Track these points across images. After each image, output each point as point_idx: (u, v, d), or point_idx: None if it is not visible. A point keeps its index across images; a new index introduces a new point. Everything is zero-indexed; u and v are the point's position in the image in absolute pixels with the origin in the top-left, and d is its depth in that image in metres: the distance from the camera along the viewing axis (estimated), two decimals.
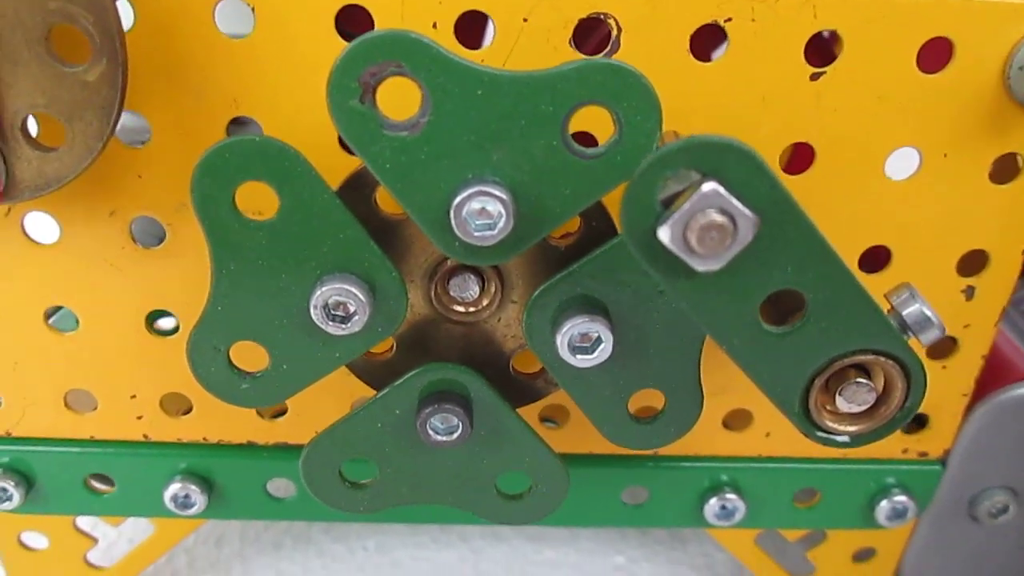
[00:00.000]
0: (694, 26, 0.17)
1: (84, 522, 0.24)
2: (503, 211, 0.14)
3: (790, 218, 0.14)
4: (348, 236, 0.15)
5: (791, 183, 0.19)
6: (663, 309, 0.17)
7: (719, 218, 0.13)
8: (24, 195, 0.17)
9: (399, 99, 0.15)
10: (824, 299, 0.15)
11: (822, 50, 0.18)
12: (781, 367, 0.15)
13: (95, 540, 0.24)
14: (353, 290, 0.15)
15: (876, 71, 0.18)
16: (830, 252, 0.14)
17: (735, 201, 0.13)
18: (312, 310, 0.15)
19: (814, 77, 0.18)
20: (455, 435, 0.17)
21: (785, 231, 0.14)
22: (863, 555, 0.26)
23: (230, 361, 0.17)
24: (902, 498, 0.23)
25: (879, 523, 0.24)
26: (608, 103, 0.15)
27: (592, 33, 0.20)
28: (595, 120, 0.15)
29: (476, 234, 0.14)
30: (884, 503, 0.23)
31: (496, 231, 0.14)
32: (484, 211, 0.14)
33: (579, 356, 0.16)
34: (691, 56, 0.17)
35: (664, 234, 0.13)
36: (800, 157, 0.19)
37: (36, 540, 0.24)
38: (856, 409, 0.15)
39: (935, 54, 0.18)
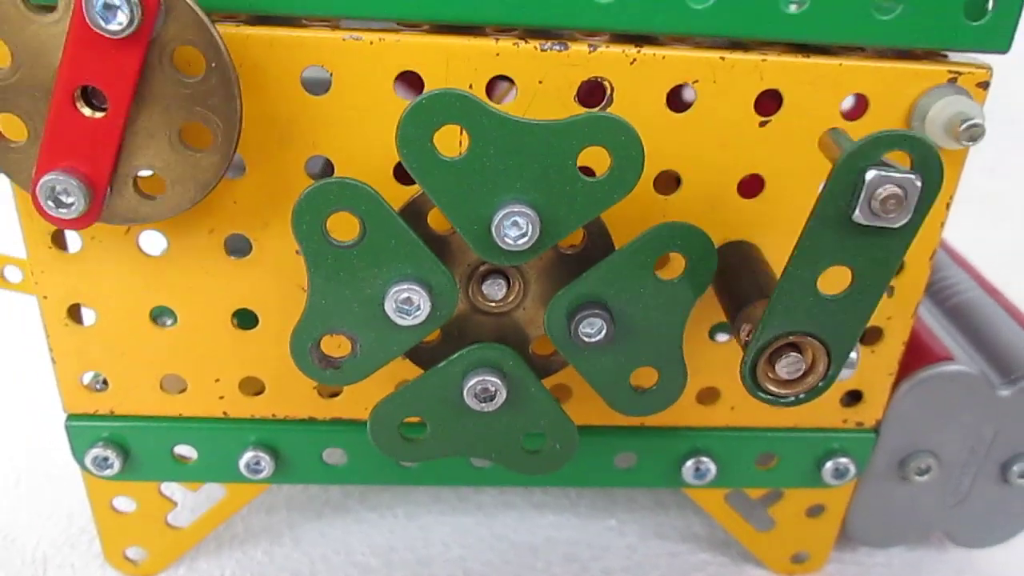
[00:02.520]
0: (669, 85, 0.22)
1: (167, 488, 0.29)
2: (531, 224, 0.19)
3: None
4: (411, 249, 0.20)
5: (746, 205, 0.24)
6: (651, 305, 0.22)
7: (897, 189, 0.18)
8: (114, 222, 0.22)
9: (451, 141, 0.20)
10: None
11: (769, 102, 0.23)
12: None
13: (175, 503, 0.29)
14: (417, 289, 0.20)
15: (809, 119, 0.23)
16: None
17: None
18: (386, 306, 0.20)
19: (762, 124, 0.23)
20: (493, 401, 0.22)
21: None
22: (814, 511, 0.31)
23: (322, 350, 0.22)
24: (844, 460, 0.28)
25: (826, 482, 0.29)
26: (606, 144, 0.20)
27: (591, 88, 0.25)
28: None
29: (511, 243, 0.19)
30: (829, 464, 0.28)
31: (526, 239, 0.19)
32: (516, 224, 0.19)
33: (587, 338, 0.21)
34: (667, 109, 0.22)
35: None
36: (752, 185, 0.24)
37: (126, 504, 0.29)
38: (790, 377, 0.20)
39: (858, 105, 0.23)
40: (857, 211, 0.19)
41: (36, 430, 0.36)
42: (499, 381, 0.21)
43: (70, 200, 0.20)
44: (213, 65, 0.19)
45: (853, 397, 0.28)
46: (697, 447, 0.28)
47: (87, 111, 0.20)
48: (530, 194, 0.19)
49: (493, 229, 0.19)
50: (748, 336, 0.21)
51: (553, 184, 0.20)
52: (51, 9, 0.19)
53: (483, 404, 0.22)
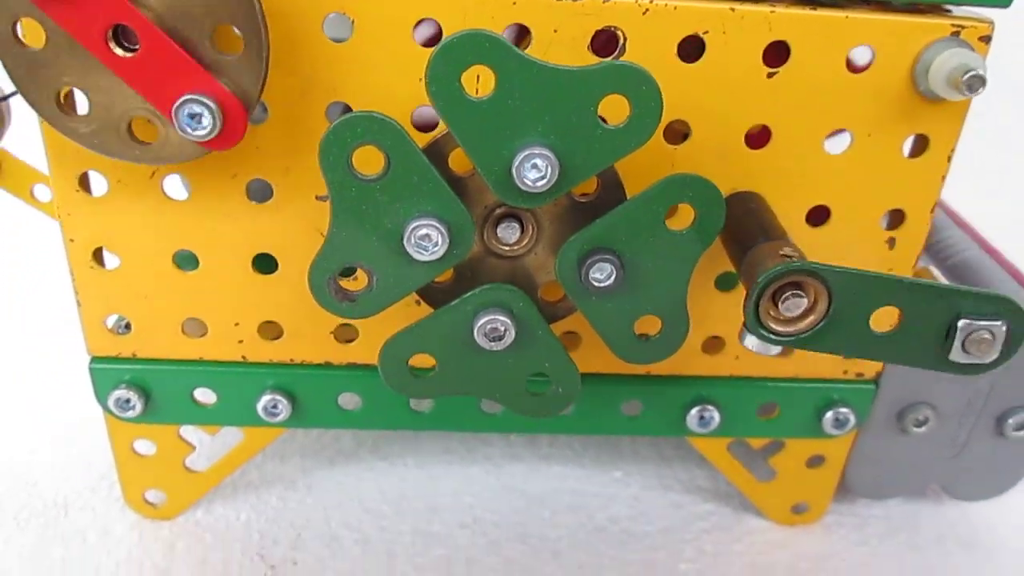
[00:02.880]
0: (680, 36, 0.23)
1: (186, 431, 0.30)
2: (550, 167, 0.20)
3: None
4: (433, 186, 0.21)
5: (753, 156, 0.25)
6: (659, 254, 0.22)
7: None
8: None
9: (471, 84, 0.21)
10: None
11: (777, 54, 0.24)
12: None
13: (193, 447, 0.30)
14: (436, 225, 0.21)
15: (816, 71, 0.23)
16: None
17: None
18: (405, 240, 0.21)
19: (770, 75, 0.23)
20: (502, 341, 0.22)
21: None
22: (814, 461, 0.31)
23: (339, 283, 0.23)
24: (844, 410, 0.29)
25: (826, 432, 0.30)
26: (627, 93, 0.20)
27: (605, 38, 0.25)
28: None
29: (530, 184, 0.20)
30: (829, 414, 0.29)
31: (545, 182, 0.20)
32: (536, 166, 0.20)
33: (597, 283, 0.21)
34: (679, 59, 0.23)
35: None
36: (761, 136, 0.25)
37: (146, 447, 0.30)
38: (792, 315, 0.21)
39: (863, 57, 0.24)
40: None
41: (56, 380, 0.37)
42: (509, 321, 0.22)
43: (203, 122, 0.21)
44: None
45: None
46: (702, 395, 0.29)
47: (119, 51, 0.20)
48: (551, 138, 0.20)
49: (513, 170, 0.20)
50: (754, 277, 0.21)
51: (574, 129, 0.20)
52: None
53: (492, 343, 0.22)
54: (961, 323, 0.21)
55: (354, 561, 0.30)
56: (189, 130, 0.21)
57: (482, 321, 0.22)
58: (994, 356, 0.21)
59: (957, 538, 0.33)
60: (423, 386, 0.24)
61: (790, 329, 0.21)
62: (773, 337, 0.22)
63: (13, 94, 0.28)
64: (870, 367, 0.29)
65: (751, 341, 0.22)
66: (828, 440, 0.30)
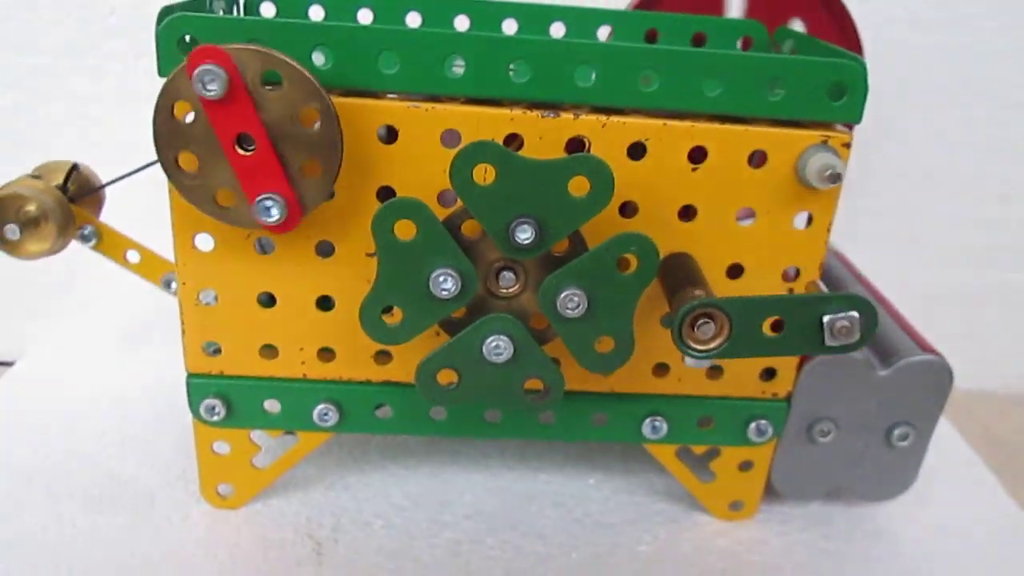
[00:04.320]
0: (628, 141, 0.32)
1: (254, 434, 0.38)
2: (535, 229, 0.29)
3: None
4: (449, 246, 0.30)
5: (682, 227, 0.34)
6: (612, 290, 0.31)
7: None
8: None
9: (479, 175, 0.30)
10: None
11: (698, 155, 0.33)
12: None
13: (260, 447, 0.38)
14: (452, 273, 0.30)
15: (727, 166, 0.33)
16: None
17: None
18: (430, 285, 0.30)
19: (693, 169, 0.33)
20: (503, 356, 0.31)
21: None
22: (745, 465, 0.40)
23: (381, 317, 0.32)
24: (764, 422, 0.38)
25: (751, 440, 0.38)
26: (587, 174, 0.29)
27: (574, 143, 0.34)
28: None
29: (521, 241, 0.29)
30: (752, 425, 0.38)
31: (532, 240, 0.29)
32: (525, 229, 0.29)
33: (568, 312, 0.30)
34: (627, 158, 0.32)
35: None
36: (687, 212, 0.34)
37: (222, 447, 0.38)
38: (704, 337, 0.30)
39: (760, 157, 0.33)
40: None
41: (138, 394, 0.46)
42: (508, 340, 0.31)
43: (274, 213, 0.30)
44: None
45: (769, 373, 0.37)
46: (653, 409, 0.37)
47: (240, 151, 0.30)
48: (535, 209, 0.29)
49: (509, 232, 0.29)
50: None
51: (551, 202, 0.30)
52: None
53: (495, 357, 0.31)
54: (826, 319, 0.30)
55: (382, 540, 0.38)
56: (260, 216, 0.30)
57: (488, 340, 0.31)
58: (857, 337, 0.30)
59: (863, 530, 0.41)
60: (448, 396, 0.33)
61: (708, 347, 0.30)
62: (696, 354, 0.30)
63: (110, 183, 0.38)
64: (783, 388, 0.38)
65: (689, 360, 0.31)
66: (754, 448, 0.39)
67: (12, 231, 0.34)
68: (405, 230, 0.30)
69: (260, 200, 0.30)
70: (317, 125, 0.30)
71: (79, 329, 0.55)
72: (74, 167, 0.37)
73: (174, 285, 0.38)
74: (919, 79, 0.54)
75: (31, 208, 0.34)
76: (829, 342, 0.30)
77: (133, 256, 0.39)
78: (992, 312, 0.60)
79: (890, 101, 0.54)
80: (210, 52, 0.28)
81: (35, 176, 0.36)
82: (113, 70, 0.53)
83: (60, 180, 0.36)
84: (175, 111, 0.30)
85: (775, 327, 0.31)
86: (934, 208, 0.57)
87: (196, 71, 0.28)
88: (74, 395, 0.47)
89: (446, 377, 0.32)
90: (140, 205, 0.41)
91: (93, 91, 0.53)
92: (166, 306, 0.54)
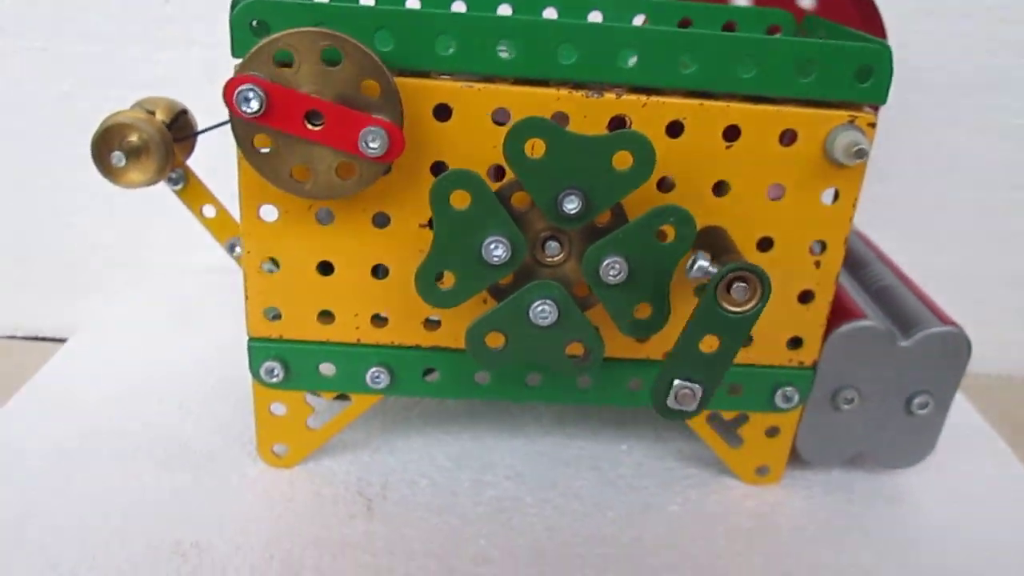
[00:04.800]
0: (667, 120, 0.34)
1: (309, 396, 0.40)
2: (581, 200, 0.31)
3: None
4: (501, 216, 0.32)
5: (716, 202, 0.36)
6: (651, 259, 0.33)
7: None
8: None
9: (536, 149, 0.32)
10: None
11: (732, 133, 0.35)
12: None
13: (313, 409, 0.41)
14: (503, 241, 0.32)
15: (759, 144, 0.35)
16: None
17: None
18: (483, 250, 0.32)
19: (728, 147, 0.35)
20: (549, 319, 0.33)
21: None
22: (772, 431, 0.42)
23: (435, 282, 0.34)
24: (790, 389, 0.40)
25: (778, 406, 0.40)
26: (630, 148, 0.32)
27: (616, 122, 0.37)
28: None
29: (568, 211, 0.31)
30: (779, 392, 0.40)
31: (578, 209, 0.31)
32: (571, 199, 0.31)
33: (610, 278, 0.33)
34: (666, 135, 0.35)
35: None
36: (720, 188, 0.36)
37: (278, 408, 0.41)
38: (740, 299, 0.32)
39: (790, 136, 0.36)
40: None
41: (191, 365, 0.49)
42: (553, 304, 0.33)
43: (375, 144, 0.32)
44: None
45: (795, 343, 0.39)
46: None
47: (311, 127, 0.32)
48: (582, 181, 0.32)
49: (558, 202, 0.32)
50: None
51: (596, 174, 0.32)
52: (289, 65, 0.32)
53: (541, 320, 0.33)
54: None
55: (429, 497, 0.40)
56: (370, 151, 0.32)
57: (535, 304, 0.33)
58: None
59: (884, 496, 0.43)
60: (496, 358, 0.35)
61: (743, 308, 0.32)
62: (734, 314, 0.33)
63: (206, 130, 0.39)
64: (808, 356, 0.40)
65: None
66: (780, 414, 0.41)
67: (118, 158, 0.35)
68: (460, 200, 0.33)
69: (360, 140, 0.32)
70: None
71: (130, 306, 0.58)
72: (184, 111, 0.39)
73: (238, 249, 0.40)
74: (941, 68, 0.56)
75: (135, 139, 0.35)
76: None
77: (209, 211, 0.40)
78: (1012, 297, 0.62)
79: (913, 89, 0.56)
80: (243, 79, 0.31)
81: (146, 109, 0.38)
82: (168, 57, 0.56)
83: (167, 117, 0.37)
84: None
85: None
86: (957, 194, 0.59)
87: (235, 92, 0.31)
88: (129, 367, 0.50)
89: (494, 340, 0.35)
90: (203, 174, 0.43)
91: (149, 77, 0.56)
92: (213, 283, 0.57)
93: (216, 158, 0.41)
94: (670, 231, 0.33)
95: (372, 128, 0.32)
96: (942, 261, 0.60)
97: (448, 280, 0.34)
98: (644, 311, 0.35)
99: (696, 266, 0.33)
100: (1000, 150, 0.58)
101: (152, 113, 0.37)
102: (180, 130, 0.38)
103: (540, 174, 0.32)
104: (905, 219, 0.59)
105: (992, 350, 0.62)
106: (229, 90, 0.31)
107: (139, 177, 0.36)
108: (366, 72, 0.32)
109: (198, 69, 0.56)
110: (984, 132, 0.57)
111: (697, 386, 0.33)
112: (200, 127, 0.39)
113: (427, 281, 0.34)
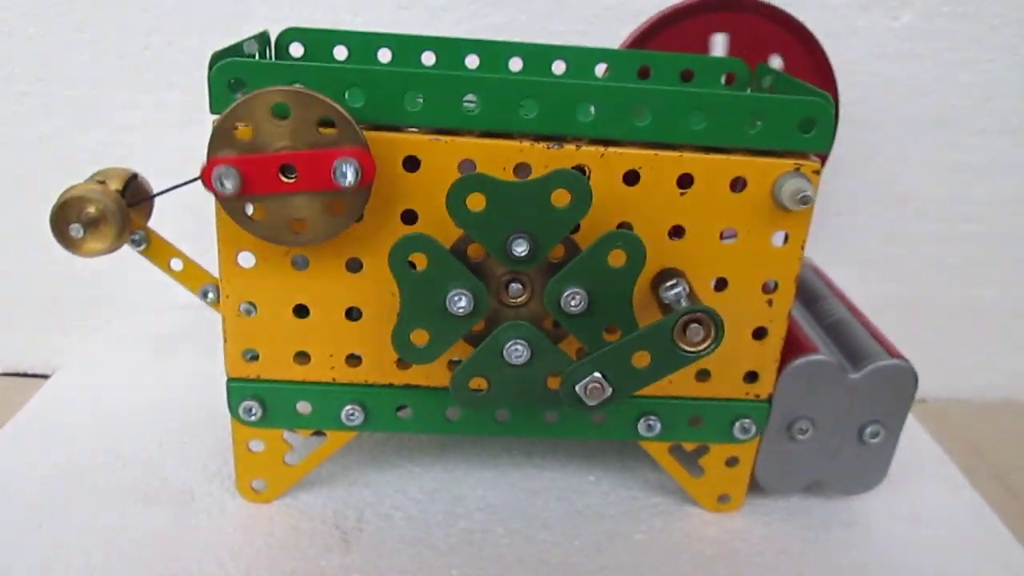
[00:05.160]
0: (624, 169, 0.36)
1: (287, 434, 0.42)
2: (529, 244, 0.33)
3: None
4: (458, 270, 0.34)
5: (675, 244, 0.38)
6: (608, 284, 0.35)
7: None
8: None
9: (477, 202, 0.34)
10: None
11: (686, 181, 0.37)
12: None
13: (291, 446, 0.42)
14: (465, 292, 0.34)
15: (711, 190, 0.37)
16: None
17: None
18: (447, 304, 0.34)
19: (682, 193, 0.37)
20: (523, 357, 0.35)
21: None
22: (731, 461, 0.44)
23: (411, 341, 0.36)
24: (747, 421, 0.42)
25: (736, 437, 0.42)
26: (566, 186, 0.34)
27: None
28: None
29: (518, 254, 0.33)
30: (737, 424, 0.42)
31: (527, 252, 0.33)
32: (519, 243, 0.33)
33: (572, 307, 0.34)
34: (623, 184, 0.37)
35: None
36: (677, 231, 0.38)
37: (256, 445, 0.42)
38: (696, 339, 0.34)
39: (741, 183, 0.38)
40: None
41: (171, 401, 0.50)
42: (524, 343, 0.35)
43: (349, 174, 0.33)
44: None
45: (751, 377, 0.41)
46: (647, 409, 0.41)
47: (286, 180, 0.34)
48: (526, 225, 0.34)
49: (507, 248, 0.34)
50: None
51: (538, 216, 0.34)
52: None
53: (516, 359, 0.35)
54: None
55: (403, 529, 0.42)
56: (343, 181, 0.33)
57: (508, 346, 0.35)
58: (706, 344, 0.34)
59: (840, 521, 0.45)
60: (481, 400, 0.36)
61: (698, 348, 0.34)
62: (691, 354, 0.34)
63: (162, 192, 0.41)
64: (764, 389, 0.42)
65: None
66: (739, 444, 0.43)
67: (76, 230, 0.37)
68: (418, 261, 0.35)
69: (334, 169, 0.33)
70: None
71: (109, 343, 0.59)
72: (134, 176, 0.40)
73: (211, 295, 0.42)
74: (893, 108, 0.58)
75: (92, 210, 0.37)
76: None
77: (176, 264, 0.42)
78: (962, 323, 0.65)
79: (866, 129, 0.59)
80: (215, 162, 0.33)
81: (98, 180, 0.39)
82: (146, 101, 0.57)
83: (119, 185, 0.39)
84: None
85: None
86: (910, 227, 0.62)
87: (212, 180, 0.33)
88: (110, 403, 0.51)
89: (477, 384, 0.36)
90: (176, 220, 0.45)
91: (129, 120, 0.58)
92: (190, 320, 0.58)
93: (185, 206, 0.43)
94: (621, 255, 0.35)
95: (341, 160, 0.33)
96: (896, 290, 0.63)
97: (421, 337, 0.36)
98: (614, 334, 0.36)
99: (674, 291, 0.35)
100: (949, 184, 0.60)
101: (104, 183, 0.39)
102: (134, 195, 0.40)
103: (485, 225, 0.34)
104: (861, 251, 0.62)
105: (946, 375, 0.65)
106: (206, 177, 0.33)
107: (98, 246, 0.38)
108: (319, 115, 0.33)
109: (179, 112, 0.58)
110: (934, 168, 0.60)
111: (610, 389, 0.35)
112: (179, 171, 0.41)
113: (403, 341, 0.36)
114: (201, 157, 0.34)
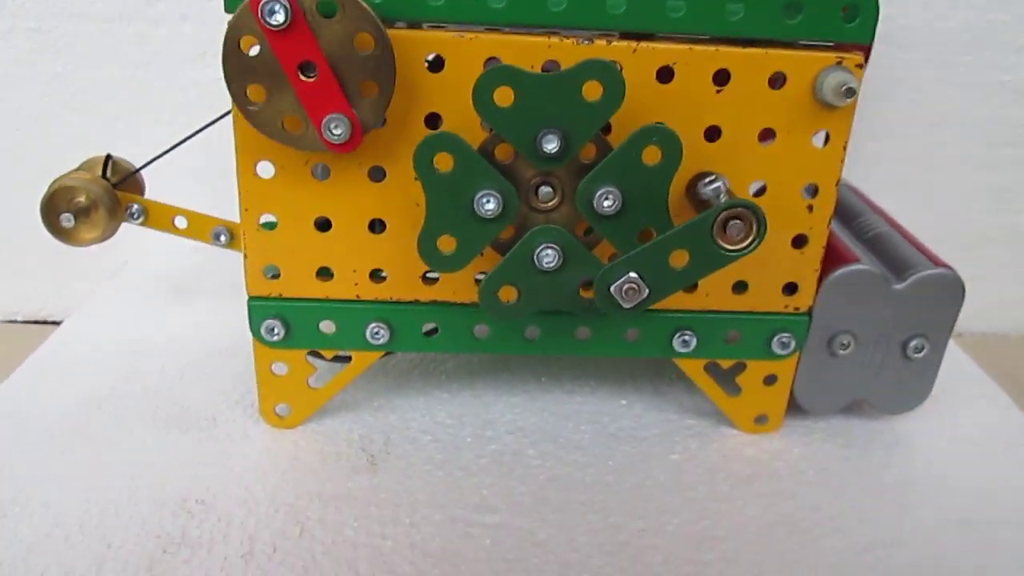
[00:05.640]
0: (657, 66, 0.35)
1: (310, 357, 0.41)
2: (559, 138, 0.32)
3: None
4: (486, 171, 0.33)
5: (711, 147, 0.36)
6: (642, 182, 0.33)
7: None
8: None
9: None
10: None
11: (722, 77, 0.36)
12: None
13: (315, 368, 0.41)
14: (493, 194, 0.33)
15: (749, 87, 0.35)
16: None
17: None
18: (475, 206, 0.33)
19: (718, 92, 0.35)
20: (555, 262, 0.34)
21: None
22: (769, 379, 0.42)
23: (438, 247, 0.34)
24: (787, 335, 0.40)
25: (775, 353, 0.41)
26: (598, 78, 0.32)
27: None
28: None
29: (549, 151, 0.32)
30: (776, 339, 0.40)
31: (558, 148, 0.32)
32: (550, 139, 0.32)
33: (606, 208, 0.33)
34: (656, 81, 0.35)
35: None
36: (712, 133, 0.36)
37: (279, 368, 0.41)
38: (737, 237, 0.32)
39: (780, 79, 0.36)
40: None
41: (190, 335, 0.49)
42: (555, 247, 0.33)
43: (338, 131, 0.32)
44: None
45: (790, 288, 0.40)
46: (682, 325, 0.40)
47: (303, 78, 0.32)
48: (556, 119, 0.32)
49: (537, 145, 0.32)
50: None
51: (569, 110, 0.32)
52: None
53: (547, 265, 0.34)
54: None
55: (431, 452, 0.41)
56: (328, 135, 0.33)
57: (538, 252, 0.34)
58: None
59: (882, 440, 0.43)
60: (512, 310, 0.35)
61: (740, 247, 0.33)
62: (733, 253, 0.33)
63: (144, 166, 0.40)
64: (804, 302, 0.40)
65: None
66: (778, 361, 0.41)
67: (67, 219, 0.37)
68: (444, 162, 0.33)
69: (327, 121, 0.32)
70: (372, 49, 0.32)
71: (127, 285, 0.58)
72: (108, 157, 0.40)
73: (223, 237, 0.41)
74: (928, 26, 0.56)
75: (81, 198, 0.37)
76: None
77: (180, 222, 0.42)
78: (1002, 253, 0.63)
79: (902, 47, 0.56)
80: None
81: (82, 169, 0.39)
82: (159, 34, 0.56)
83: (99, 171, 0.39)
84: (242, 45, 0.32)
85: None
86: (947, 150, 0.60)
87: (260, 3, 0.31)
88: (130, 339, 0.50)
89: (507, 294, 0.35)
90: (177, 181, 0.44)
91: (142, 54, 0.56)
92: (206, 260, 0.57)
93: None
94: (656, 152, 0.33)
95: (336, 116, 0.32)
96: (932, 218, 0.60)
97: (449, 243, 0.35)
98: (649, 236, 0.34)
99: (713, 186, 0.33)
100: (989, 106, 0.58)
101: (86, 171, 0.39)
102: (115, 174, 0.39)
103: (514, 121, 0.32)
104: (896, 176, 0.60)
105: (986, 306, 0.63)
106: (254, 2, 0.31)
107: (91, 234, 0.38)
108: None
109: (190, 45, 0.57)
110: (973, 89, 0.58)
111: (647, 290, 0.33)
112: (191, 108, 0.40)
113: (430, 247, 0.34)
114: (213, 92, 0.33)
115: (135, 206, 0.41)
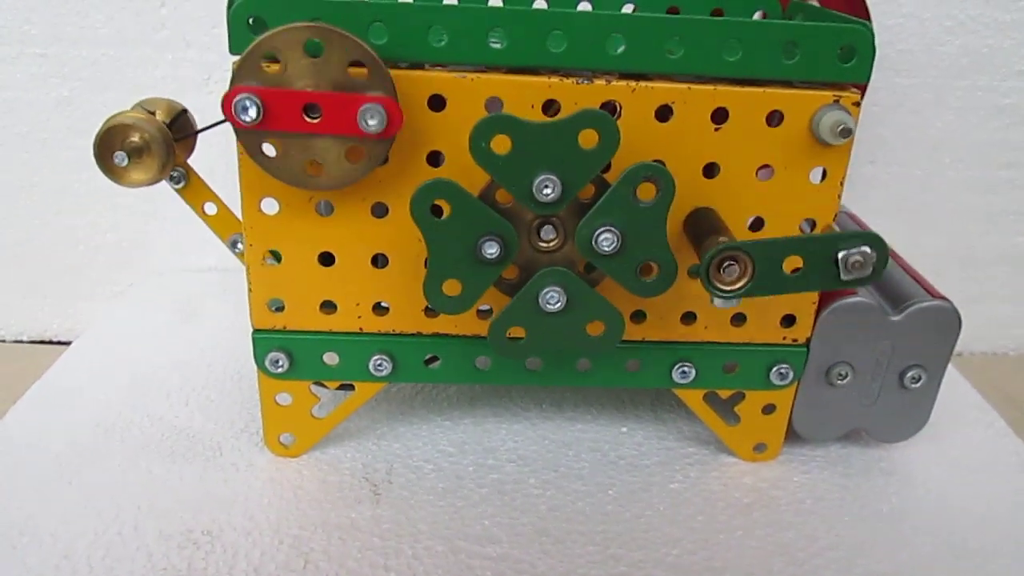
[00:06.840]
0: (656, 104, 0.35)
1: (314, 386, 0.41)
2: (555, 184, 0.32)
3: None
4: (486, 215, 0.33)
5: (706, 183, 0.37)
6: (640, 220, 0.34)
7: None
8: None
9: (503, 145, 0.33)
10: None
11: (720, 116, 0.36)
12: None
13: (319, 398, 0.42)
14: (495, 238, 0.33)
15: (746, 125, 0.36)
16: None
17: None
18: (478, 251, 0.33)
19: (716, 129, 0.36)
20: (560, 303, 0.34)
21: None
22: (768, 409, 0.43)
23: (443, 291, 0.35)
24: (785, 366, 0.41)
25: (773, 383, 0.41)
26: (594, 127, 0.32)
27: (608, 107, 0.37)
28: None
29: (546, 197, 0.32)
30: (775, 370, 0.41)
31: (554, 194, 0.32)
32: (547, 185, 0.32)
33: (605, 248, 0.33)
34: (655, 120, 0.35)
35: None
36: (710, 169, 0.37)
37: (284, 399, 0.41)
38: (730, 278, 0.33)
39: (777, 117, 0.36)
40: None
41: (196, 360, 0.49)
42: (560, 289, 0.34)
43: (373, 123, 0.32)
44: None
45: (789, 320, 0.40)
46: (682, 356, 0.40)
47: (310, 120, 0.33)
48: (553, 166, 0.32)
49: (534, 191, 0.32)
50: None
51: (565, 157, 0.32)
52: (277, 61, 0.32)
53: (553, 307, 0.34)
54: (840, 254, 0.33)
55: (433, 482, 0.41)
56: (370, 128, 0.32)
57: (544, 294, 0.34)
58: (870, 271, 0.33)
59: (880, 469, 0.44)
60: (520, 350, 0.36)
61: (734, 287, 0.33)
62: (724, 294, 0.33)
63: (206, 128, 0.40)
64: (801, 334, 0.40)
65: (718, 302, 0.34)
66: (776, 391, 0.42)
67: (121, 158, 0.36)
68: (444, 207, 0.33)
69: (361, 113, 0.32)
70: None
71: (133, 307, 0.59)
72: (183, 111, 0.39)
73: (239, 245, 0.41)
74: (927, 51, 0.57)
75: (136, 139, 0.36)
76: (844, 276, 0.33)
77: (210, 208, 0.41)
78: (1001, 274, 0.63)
79: (900, 73, 0.57)
80: (238, 90, 0.32)
81: (146, 110, 0.38)
82: (164, 59, 0.57)
83: (166, 117, 0.38)
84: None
85: (795, 267, 0.34)
86: (946, 173, 0.60)
87: (232, 103, 0.32)
88: (136, 363, 0.50)
89: (515, 334, 0.35)
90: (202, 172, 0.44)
91: (148, 79, 0.57)
92: (214, 283, 0.58)
93: (215, 158, 0.42)
94: (650, 188, 0.34)
95: (368, 106, 0.32)
96: (931, 239, 0.61)
97: (454, 287, 0.35)
98: (650, 271, 0.35)
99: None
100: (987, 129, 0.58)
101: (152, 113, 0.38)
102: (180, 129, 0.39)
103: (511, 169, 0.33)
104: (895, 200, 0.60)
105: (984, 327, 0.63)
106: (227, 104, 0.32)
107: (141, 176, 0.37)
108: (351, 56, 0.32)
109: (195, 70, 0.57)
110: (971, 112, 0.58)
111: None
112: (199, 126, 0.40)
113: (436, 293, 0.35)
114: (219, 117, 0.33)
115: (180, 169, 0.40)
